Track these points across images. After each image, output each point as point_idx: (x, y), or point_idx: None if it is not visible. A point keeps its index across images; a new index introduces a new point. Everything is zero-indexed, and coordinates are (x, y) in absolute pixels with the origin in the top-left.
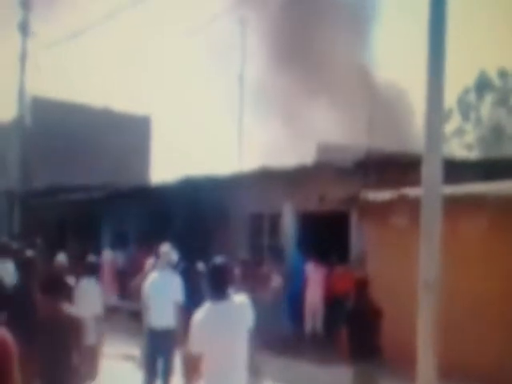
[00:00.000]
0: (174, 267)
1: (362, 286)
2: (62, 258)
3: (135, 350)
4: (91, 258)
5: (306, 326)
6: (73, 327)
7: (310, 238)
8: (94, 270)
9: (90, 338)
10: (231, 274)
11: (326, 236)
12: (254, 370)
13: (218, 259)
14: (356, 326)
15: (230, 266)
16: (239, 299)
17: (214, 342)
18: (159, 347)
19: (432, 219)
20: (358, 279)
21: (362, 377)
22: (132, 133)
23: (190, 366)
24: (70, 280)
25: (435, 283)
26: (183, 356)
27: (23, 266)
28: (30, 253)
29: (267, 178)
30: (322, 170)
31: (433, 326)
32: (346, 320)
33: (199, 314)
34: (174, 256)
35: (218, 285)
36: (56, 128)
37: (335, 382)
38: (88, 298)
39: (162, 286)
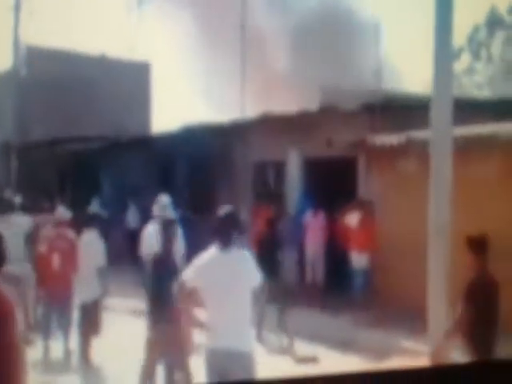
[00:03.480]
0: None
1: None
2: (62, 211)
3: (142, 303)
4: (92, 209)
5: (307, 276)
6: None
7: (317, 185)
8: (94, 222)
9: (93, 292)
10: (237, 223)
11: (333, 182)
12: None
13: (225, 208)
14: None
15: (236, 215)
16: (245, 255)
17: (211, 288)
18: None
19: (442, 162)
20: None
21: None
22: (131, 81)
23: (182, 295)
24: (71, 233)
25: (446, 228)
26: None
27: None
28: None
29: (270, 125)
30: (327, 115)
31: (444, 272)
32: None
33: (203, 255)
34: (169, 210)
35: (223, 233)
36: (52, 78)
37: (339, 329)
38: (90, 251)
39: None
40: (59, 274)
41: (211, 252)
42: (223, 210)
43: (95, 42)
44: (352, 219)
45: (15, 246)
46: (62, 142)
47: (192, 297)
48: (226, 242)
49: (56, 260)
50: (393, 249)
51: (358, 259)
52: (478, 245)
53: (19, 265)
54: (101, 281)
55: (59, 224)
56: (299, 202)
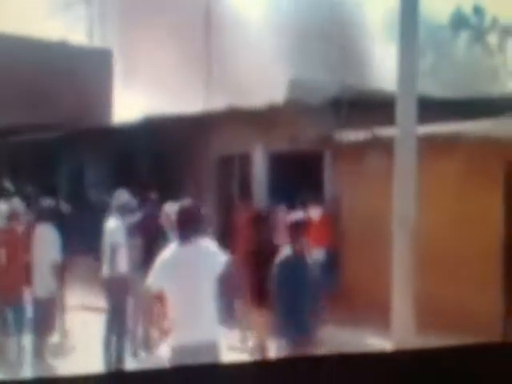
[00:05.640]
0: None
1: None
2: (15, 203)
3: (98, 300)
4: (46, 202)
5: None
6: None
7: (282, 180)
8: (49, 216)
9: (47, 288)
10: (198, 217)
11: (299, 177)
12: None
13: (186, 202)
14: None
15: (195, 208)
16: (207, 244)
17: (175, 284)
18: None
19: (406, 159)
20: None
21: None
22: (92, 68)
23: (148, 307)
24: (21, 227)
25: (409, 223)
26: (140, 299)
27: None
28: None
29: (235, 118)
30: (293, 109)
31: (408, 266)
32: None
33: (164, 253)
34: (129, 201)
35: (184, 227)
36: (8, 66)
37: None
38: (44, 245)
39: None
40: (8, 269)
41: (171, 248)
42: (181, 204)
43: (55, 28)
44: (313, 214)
45: None
46: (18, 131)
47: (159, 300)
48: (185, 237)
49: (3, 255)
50: (358, 244)
51: (314, 254)
52: (256, 222)
53: None
54: (55, 276)
55: (11, 216)
56: (266, 197)
